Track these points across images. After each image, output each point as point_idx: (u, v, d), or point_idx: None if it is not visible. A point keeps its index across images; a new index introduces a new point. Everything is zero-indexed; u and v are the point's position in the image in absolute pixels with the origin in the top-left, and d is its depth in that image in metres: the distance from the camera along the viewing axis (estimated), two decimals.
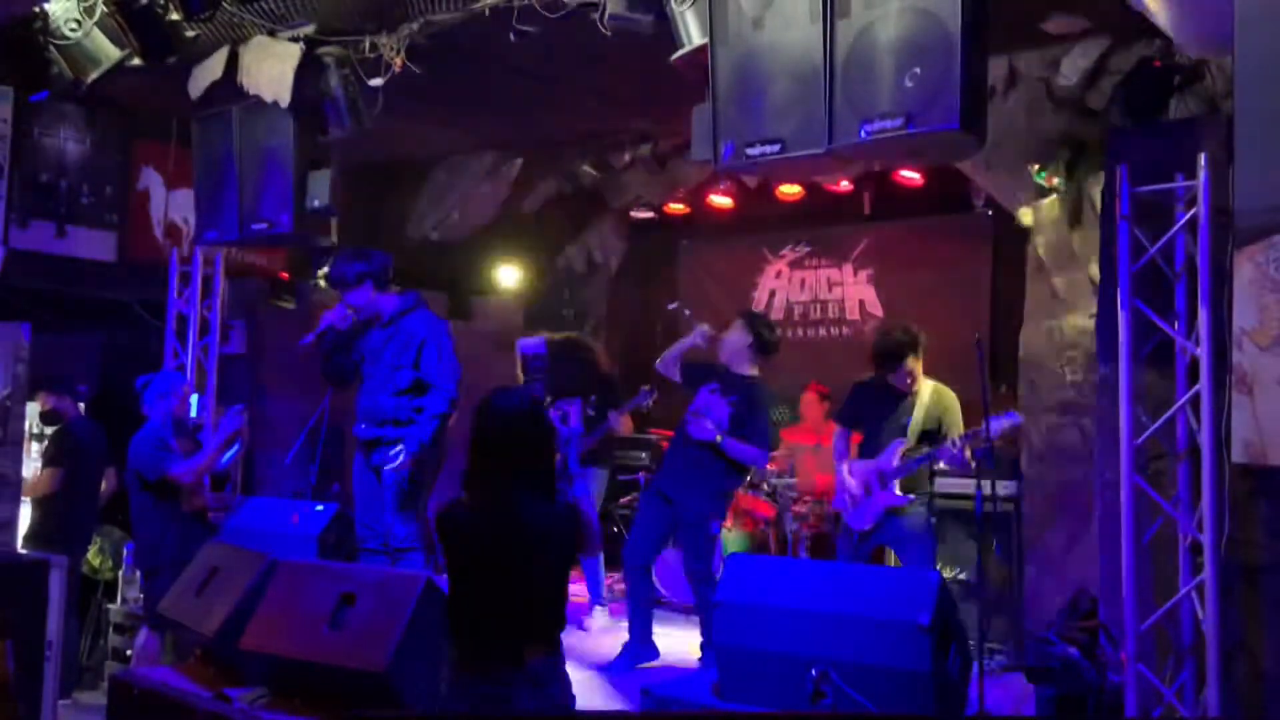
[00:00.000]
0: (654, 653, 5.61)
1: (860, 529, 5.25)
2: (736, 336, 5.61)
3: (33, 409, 6.00)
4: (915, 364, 5.20)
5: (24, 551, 5.44)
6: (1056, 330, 5.62)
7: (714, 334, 5.63)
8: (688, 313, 5.71)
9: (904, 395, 5.23)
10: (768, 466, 7.26)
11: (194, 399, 6.54)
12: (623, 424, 6.85)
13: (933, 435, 5.19)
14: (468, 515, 3.00)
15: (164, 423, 5.30)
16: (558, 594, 3.01)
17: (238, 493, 6.64)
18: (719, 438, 5.40)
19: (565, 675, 3.00)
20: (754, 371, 5.62)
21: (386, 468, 5.12)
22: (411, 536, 5.12)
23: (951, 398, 5.27)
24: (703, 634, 5.47)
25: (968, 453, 5.06)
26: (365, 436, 5.27)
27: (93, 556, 6.28)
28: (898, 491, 5.15)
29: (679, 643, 5.83)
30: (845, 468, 5.35)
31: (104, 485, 6.23)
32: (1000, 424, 4.84)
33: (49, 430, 6.12)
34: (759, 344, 5.59)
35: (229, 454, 5.66)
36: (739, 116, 4.06)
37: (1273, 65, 3.35)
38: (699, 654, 5.48)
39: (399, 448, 5.08)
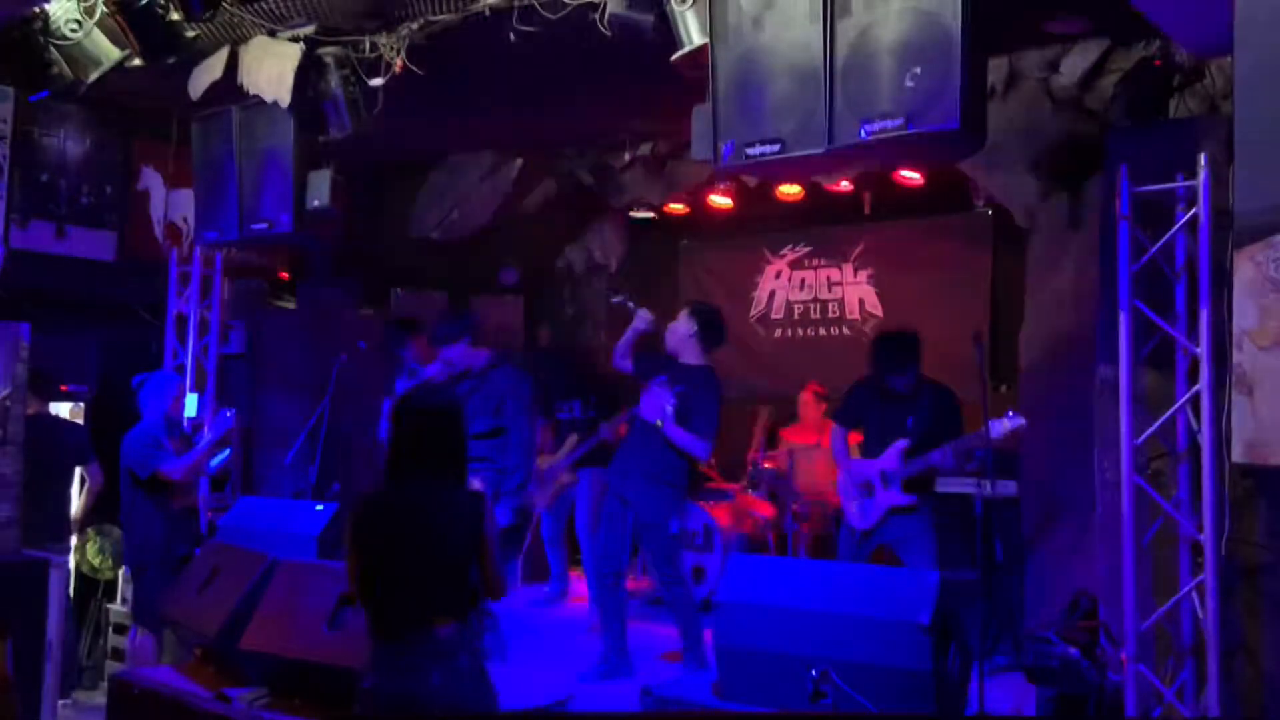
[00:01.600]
0: (630, 668, 5.44)
1: (862, 528, 5.26)
2: (682, 326, 5.51)
3: None
4: (915, 366, 5.20)
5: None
6: (1056, 330, 5.61)
7: (654, 318, 5.62)
8: (631, 304, 5.70)
9: (904, 396, 5.23)
10: (767, 465, 7.29)
11: (193, 399, 6.55)
12: (618, 431, 6.84)
13: (933, 436, 5.19)
14: (384, 502, 3.24)
15: (157, 421, 5.34)
16: (466, 571, 3.20)
17: (238, 492, 6.65)
18: (659, 422, 5.31)
19: (475, 647, 3.19)
20: (702, 361, 5.51)
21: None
22: None
23: (952, 398, 5.27)
24: (681, 638, 5.41)
25: (958, 459, 5.06)
26: None
27: (93, 556, 6.27)
28: (900, 492, 5.15)
29: (678, 642, 5.81)
30: (848, 467, 5.36)
31: (87, 483, 6.19)
32: (1002, 426, 4.81)
33: None
34: (705, 333, 5.49)
35: (219, 456, 5.68)
36: (739, 116, 4.06)
37: (1273, 66, 3.35)
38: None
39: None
